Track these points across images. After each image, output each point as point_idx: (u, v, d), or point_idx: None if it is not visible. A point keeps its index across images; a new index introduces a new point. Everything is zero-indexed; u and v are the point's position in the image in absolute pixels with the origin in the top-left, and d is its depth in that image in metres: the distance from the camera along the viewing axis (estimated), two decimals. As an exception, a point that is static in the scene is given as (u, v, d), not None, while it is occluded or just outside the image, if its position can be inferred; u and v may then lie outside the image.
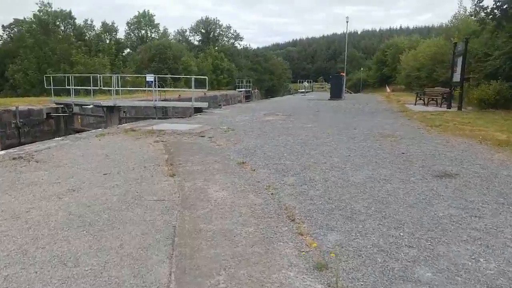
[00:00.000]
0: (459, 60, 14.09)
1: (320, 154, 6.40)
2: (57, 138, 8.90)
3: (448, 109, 14.94)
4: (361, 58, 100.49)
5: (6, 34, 39.67)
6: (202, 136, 8.83)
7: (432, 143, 7.44)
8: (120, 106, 15.25)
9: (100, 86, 15.13)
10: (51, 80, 17.14)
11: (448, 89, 16.35)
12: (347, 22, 30.60)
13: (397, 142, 7.57)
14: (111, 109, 15.08)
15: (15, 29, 38.60)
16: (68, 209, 3.78)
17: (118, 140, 8.21)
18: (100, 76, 15.19)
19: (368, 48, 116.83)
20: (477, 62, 14.58)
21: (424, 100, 17.99)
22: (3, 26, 39.58)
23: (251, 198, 4.03)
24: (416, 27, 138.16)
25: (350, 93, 43.03)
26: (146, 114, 18.50)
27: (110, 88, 15.54)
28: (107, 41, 50.22)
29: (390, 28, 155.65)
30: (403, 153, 6.28)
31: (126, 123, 16.76)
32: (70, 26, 43.64)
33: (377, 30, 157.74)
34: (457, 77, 14.44)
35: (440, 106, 16.36)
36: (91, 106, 15.71)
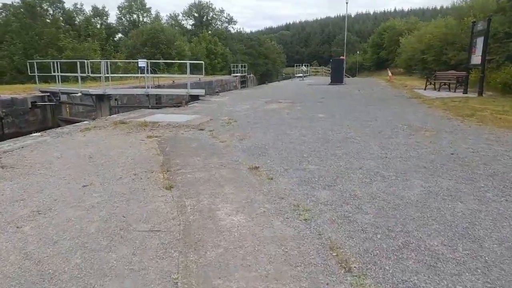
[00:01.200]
0: (479, 41, 12.97)
1: (349, 154, 5.35)
2: (35, 134, 7.75)
3: (465, 94, 13.90)
4: (356, 41, 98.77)
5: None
6: (201, 130, 7.73)
7: (480, 139, 6.36)
8: (110, 94, 14.03)
9: (88, 72, 13.87)
10: (35, 67, 15.81)
11: (464, 72, 15.27)
12: (346, 2, 29.22)
13: (435, 137, 6.50)
14: (100, 98, 13.85)
15: (3, 13, 36.73)
16: (25, 249, 2.71)
17: (106, 136, 7.10)
18: (87, 62, 13.87)
19: (363, 31, 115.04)
20: (496, 42, 13.47)
21: (434, 85, 16.92)
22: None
23: (278, 227, 2.98)
24: (411, 9, 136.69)
25: (348, 77, 41.79)
26: (139, 102, 17.31)
27: (100, 75, 14.26)
28: (98, 26, 48.38)
29: (384, 11, 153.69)
30: (452, 154, 5.23)
31: (117, 112, 15.55)
32: (58, 10, 41.72)
33: (371, 13, 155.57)
34: (476, 60, 13.35)
35: (455, 91, 15.30)
36: (79, 94, 14.47)
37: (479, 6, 16.30)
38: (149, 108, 14.12)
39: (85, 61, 14.19)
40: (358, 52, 71.36)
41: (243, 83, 39.32)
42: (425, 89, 16.81)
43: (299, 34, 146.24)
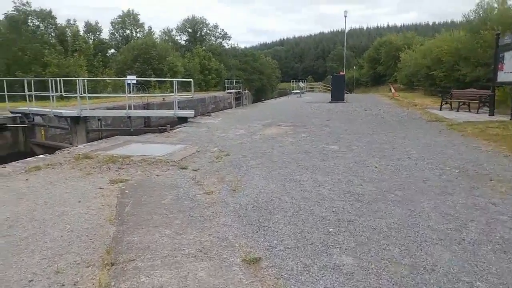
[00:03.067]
0: (508, 56, 11.41)
1: (400, 231, 3.53)
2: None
3: (493, 117, 12.20)
4: (351, 56, 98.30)
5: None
6: (183, 169, 5.96)
7: None
8: (87, 116, 12.23)
9: (60, 91, 12.10)
10: (4, 84, 14.04)
11: (487, 90, 13.64)
12: (345, 16, 28.11)
13: None
14: (76, 120, 12.07)
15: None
16: None
17: (56, 180, 5.29)
18: (59, 80, 12.10)
19: (357, 46, 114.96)
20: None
21: (451, 105, 15.29)
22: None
23: None
24: (403, 25, 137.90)
25: (347, 93, 40.38)
26: (123, 124, 15.50)
27: (75, 95, 12.48)
28: (90, 41, 46.91)
29: (377, 26, 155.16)
30: None
31: (97, 136, 13.80)
32: (50, 26, 40.19)
33: (364, 28, 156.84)
34: (505, 77, 11.74)
35: (477, 112, 13.63)
36: (51, 116, 12.68)
37: (496, 18, 14.87)
38: (131, 131, 12.36)
39: (57, 78, 12.40)
40: (354, 67, 70.35)
41: (238, 99, 37.67)
42: (440, 109, 15.18)
43: (293, 50, 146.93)
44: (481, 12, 17.34)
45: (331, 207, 4.14)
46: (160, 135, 9.76)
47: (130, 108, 12.47)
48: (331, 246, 3.24)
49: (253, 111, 18.17)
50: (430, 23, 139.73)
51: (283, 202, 4.32)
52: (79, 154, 6.86)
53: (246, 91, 45.66)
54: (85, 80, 12.77)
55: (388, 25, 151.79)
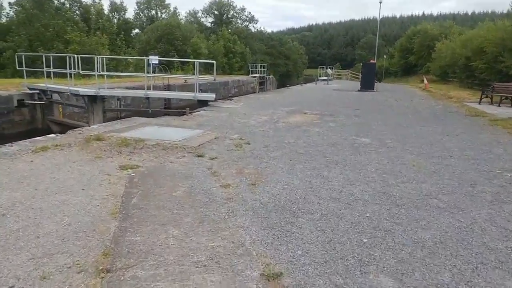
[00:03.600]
0: None
1: (451, 249, 2.96)
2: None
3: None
4: (382, 45, 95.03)
5: (13, 11, 36.60)
6: (199, 156, 5.50)
7: None
8: (104, 95, 11.94)
9: (79, 69, 11.81)
10: (23, 60, 13.88)
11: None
12: (380, 2, 26.57)
13: None
14: (93, 99, 11.79)
15: (15, 7, 35.45)
16: None
17: (62, 163, 4.92)
18: (76, 58, 11.79)
19: (389, 35, 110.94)
20: None
21: (491, 99, 14.19)
22: (9, 3, 36.49)
23: None
24: (440, 14, 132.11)
25: (376, 82, 38.95)
26: (142, 105, 15.20)
27: (93, 73, 12.17)
28: (115, 20, 46.95)
29: (412, 14, 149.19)
30: None
31: (114, 116, 13.53)
32: (75, 3, 40.34)
33: (398, 16, 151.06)
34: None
35: (522, 108, 12.60)
36: (69, 94, 12.45)
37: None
38: (149, 113, 12.00)
39: (75, 56, 12.09)
40: (385, 56, 67.87)
41: (262, 84, 36.91)
42: (479, 103, 14.10)
43: (321, 36, 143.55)
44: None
45: (365, 212, 3.57)
46: (178, 118, 9.33)
47: (149, 89, 12.07)
48: (366, 263, 2.70)
49: (277, 97, 17.53)
50: (469, 13, 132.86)
51: (309, 202, 3.78)
52: (91, 136, 6.48)
53: (271, 76, 44.84)
54: (104, 59, 12.42)
55: (423, 13, 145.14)
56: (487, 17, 37.68)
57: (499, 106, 13.29)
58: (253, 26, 66.28)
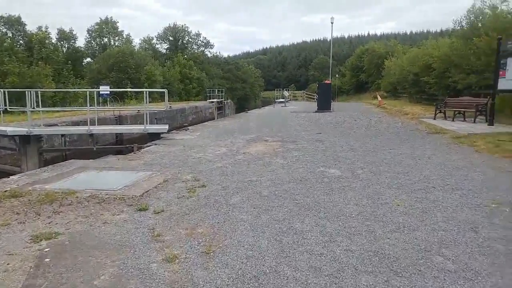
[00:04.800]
0: (511, 61, 10.37)
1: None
2: None
3: (492, 127, 11.19)
4: (333, 64, 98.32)
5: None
6: (141, 210, 4.44)
7: None
8: (40, 135, 10.50)
9: (5, 105, 10.31)
10: None
11: (484, 99, 12.69)
12: (332, 23, 27.06)
13: None
14: (26, 139, 10.32)
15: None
16: None
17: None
18: (2, 92, 10.30)
19: (339, 54, 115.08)
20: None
21: (445, 114, 14.21)
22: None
23: None
24: (383, 34, 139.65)
25: (332, 101, 39.43)
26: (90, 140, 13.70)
27: (23, 109, 10.71)
28: (64, 49, 44.74)
29: (359, 34, 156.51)
30: None
31: (57, 156, 12.02)
32: (19, 33, 37.87)
33: (346, 37, 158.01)
34: (509, 84, 10.68)
35: (474, 122, 12.59)
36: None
37: (490, 24, 13.94)
38: (94, 150, 10.71)
39: (2, 90, 10.60)
40: (337, 76, 69.85)
41: (220, 109, 36.10)
42: (434, 119, 14.06)
43: (276, 58, 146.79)
44: (472, 18, 16.46)
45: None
46: (124, 158, 8.14)
47: (93, 124, 10.78)
48: None
49: (236, 123, 16.69)
50: (408, 33, 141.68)
51: (283, 277, 2.83)
52: (5, 191, 5.21)
53: (229, 101, 44.24)
54: (39, 92, 10.99)
55: (369, 33, 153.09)
56: (423, 36, 39.78)
57: (453, 121, 13.30)
58: (209, 51, 66.01)
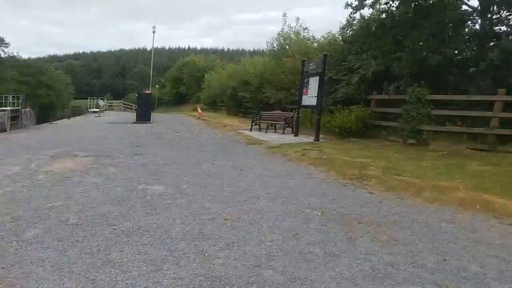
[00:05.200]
0: (312, 81, 12.06)
1: None
2: None
3: (297, 137, 12.84)
4: (153, 75, 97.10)
5: None
6: None
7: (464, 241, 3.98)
8: None
9: None
10: None
11: (292, 113, 14.51)
12: (153, 32, 26.33)
13: (394, 245, 3.87)
14: None
15: None
16: None
17: None
18: None
19: (159, 65, 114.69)
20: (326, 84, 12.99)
21: (259, 126, 15.62)
22: None
23: None
24: (203, 48, 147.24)
25: (152, 112, 38.42)
26: None
27: None
28: None
29: (179, 47, 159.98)
30: None
31: None
32: None
33: (166, 48, 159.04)
34: (309, 101, 12.38)
35: (283, 133, 14.25)
36: None
37: (295, 47, 16.27)
38: None
39: None
40: (157, 86, 69.04)
41: (15, 119, 30.14)
42: (251, 130, 15.29)
43: (90, 65, 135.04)
44: (281, 40, 18.90)
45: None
46: None
47: None
48: None
49: (38, 136, 14.09)
50: (226, 49, 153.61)
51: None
52: None
53: (28, 109, 37.53)
54: None
55: (189, 46, 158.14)
56: (240, 54, 43.89)
57: (266, 132, 14.79)
58: (3, 51, 54.73)
